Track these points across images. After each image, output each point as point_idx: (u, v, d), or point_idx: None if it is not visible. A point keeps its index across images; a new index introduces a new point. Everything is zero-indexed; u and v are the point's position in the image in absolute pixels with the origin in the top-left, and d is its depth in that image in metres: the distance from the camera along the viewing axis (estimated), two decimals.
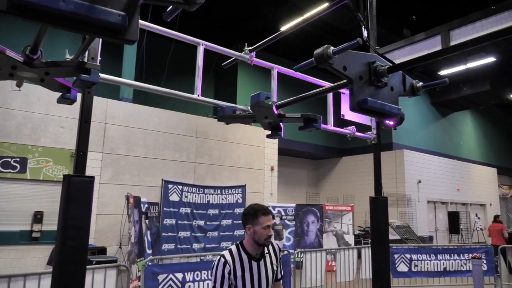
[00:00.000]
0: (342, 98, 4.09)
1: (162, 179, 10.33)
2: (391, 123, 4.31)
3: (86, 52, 2.52)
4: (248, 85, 14.98)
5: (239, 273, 2.17)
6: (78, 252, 2.38)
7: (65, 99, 2.41)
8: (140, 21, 1.86)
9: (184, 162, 11.19)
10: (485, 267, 7.04)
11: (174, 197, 10.38)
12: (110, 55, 10.10)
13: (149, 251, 8.78)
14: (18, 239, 8.28)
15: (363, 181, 16.47)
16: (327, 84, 3.97)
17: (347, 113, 3.93)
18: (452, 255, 8.13)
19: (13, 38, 11.07)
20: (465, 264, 8.08)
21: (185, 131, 11.35)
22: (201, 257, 6.28)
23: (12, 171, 8.32)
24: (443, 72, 16.70)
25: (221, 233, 10.93)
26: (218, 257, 2.25)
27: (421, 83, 2.28)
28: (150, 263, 4.86)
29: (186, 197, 10.58)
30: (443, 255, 8.10)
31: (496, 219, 11.23)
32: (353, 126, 4.31)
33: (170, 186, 10.38)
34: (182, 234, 10.28)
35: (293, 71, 4.07)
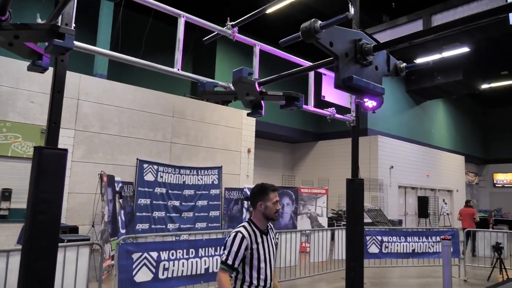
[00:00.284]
0: (323, 80, 4.08)
1: (137, 158, 10.15)
2: (370, 106, 4.36)
3: (60, 18, 2.37)
4: (227, 65, 14.77)
5: (254, 246, 2.36)
6: (49, 227, 2.29)
7: (36, 67, 2.27)
8: None
9: (160, 141, 11.01)
10: (451, 249, 7.37)
11: (149, 177, 10.23)
12: (84, 29, 9.68)
13: (123, 231, 8.66)
14: None
15: (338, 165, 16.76)
16: (309, 64, 3.94)
17: (328, 95, 3.92)
18: (420, 237, 8.44)
19: None
20: (432, 246, 8.42)
21: (161, 110, 11.13)
22: (177, 236, 6.25)
23: None
24: (419, 60, 16.96)
25: (196, 214, 10.90)
26: (234, 232, 2.39)
27: (404, 64, 2.28)
28: (124, 242, 4.78)
29: (161, 177, 10.45)
30: (412, 237, 8.40)
31: (467, 203, 11.69)
32: (333, 108, 4.31)
33: (145, 165, 10.21)
34: (156, 214, 10.20)
35: (275, 49, 4.02)
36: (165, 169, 10.56)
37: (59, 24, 2.38)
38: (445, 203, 19.13)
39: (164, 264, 4.79)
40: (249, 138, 13.33)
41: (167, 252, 4.84)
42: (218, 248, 5.40)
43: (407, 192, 17.95)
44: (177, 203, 10.62)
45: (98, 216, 8.64)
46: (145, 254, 4.64)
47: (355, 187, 4.16)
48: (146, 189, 10.11)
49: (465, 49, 15.25)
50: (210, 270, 5.25)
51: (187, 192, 10.88)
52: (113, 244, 7.30)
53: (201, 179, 11.25)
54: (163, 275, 4.76)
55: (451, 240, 4.51)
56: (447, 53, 15.65)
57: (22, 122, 8.56)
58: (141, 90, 10.83)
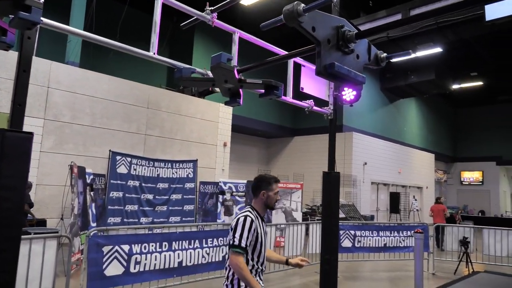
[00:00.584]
0: (302, 71, 4.05)
1: (110, 150, 9.88)
2: (348, 99, 4.37)
3: None
4: (205, 55, 14.57)
5: (259, 230, 2.50)
6: (13, 215, 2.15)
7: (0, 43, 2.11)
8: None
9: (134, 133, 10.75)
10: (423, 242, 7.57)
11: (122, 169, 9.99)
12: (56, 16, 9.29)
13: (94, 224, 8.42)
14: None
15: (313, 161, 16.90)
16: (294, 58, 3.89)
17: (306, 86, 3.89)
18: (392, 232, 8.62)
19: None
20: (403, 240, 8.63)
21: (136, 101, 10.86)
22: (149, 229, 6.11)
23: None
24: (393, 59, 17.28)
25: (170, 208, 10.74)
26: (243, 216, 2.48)
27: (385, 54, 2.27)
28: (94, 234, 4.62)
29: (135, 169, 10.23)
30: (384, 231, 8.57)
31: (438, 200, 12.16)
32: (311, 100, 4.29)
33: (118, 157, 9.95)
34: (129, 207, 9.97)
35: (255, 38, 3.95)
36: (139, 162, 10.34)
37: None
38: (415, 200, 19.66)
39: (136, 258, 4.66)
40: (225, 132, 13.23)
41: (139, 245, 4.72)
42: (192, 241, 5.32)
43: (379, 188, 18.33)
44: (150, 196, 10.42)
45: (67, 209, 8.34)
46: (116, 247, 4.50)
47: (331, 180, 4.17)
48: (119, 181, 9.86)
49: (437, 50, 15.64)
50: (184, 264, 5.16)
51: (161, 185, 10.70)
52: (82, 238, 7.08)
53: (176, 172, 11.09)
54: (134, 268, 4.63)
55: (423, 233, 4.63)
56: (421, 53, 16.01)
57: None
58: (115, 80, 10.53)
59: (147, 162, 10.50)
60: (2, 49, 2.12)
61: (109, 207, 9.54)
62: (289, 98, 3.92)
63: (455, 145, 27.87)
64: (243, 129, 17.17)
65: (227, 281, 2.46)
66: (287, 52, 3.78)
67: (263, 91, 2.84)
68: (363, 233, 8.37)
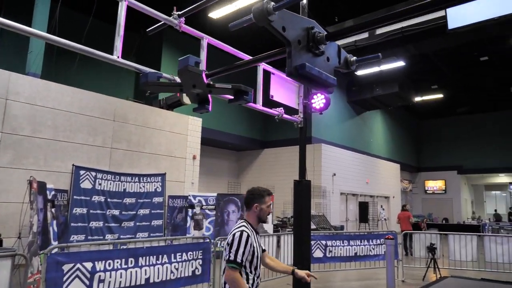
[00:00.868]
0: (271, 79, 4.03)
1: (73, 165, 9.47)
2: (318, 107, 4.39)
3: None
4: (174, 66, 14.40)
5: (255, 244, 2.52)
6: None
7: None
8: None
9: (99, 147, 10.37)
10: (394, 249, 7.68)
11: (86, 184, 9.58)
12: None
13: (55, 243, 7.96)
14: None
15: (283, 172, 16.94)
16: (264, 65, 3.87)
17: (276, 94, 3.87)
18: (362, 240, 8.70)
19: None
20: (373, 249, 8.72)
21: (101, 114, 10.51)
22: (115, 245, 5.83)
23: None
24: (359, 72, 17.81)
25: (138, 223, 10.37)
26: (239, 232, 2.48)
27: (355, 58, 2.27)
28: (53, 252, 4.34)
29: (100, 184, 9.84)
30: (354, 241, 8.63)
31: (404, 207, 12.54)
32: (281, 108, 4.28)
33: (82, 172, 9.55)
34: (94, 224, 9.54)
35: (223, 44, 3.90)
36: (104, 176, 9.96)
37: None
38: (383, 209, 20.08)
39: (100, 276, 4.41)
40: (194, 145, 13.04)
41: (103, 262, 4.46)
42: (160, 256, 5.10)
43: (348, 199, 18.59)
44: (116, 212, 10.04)
45: (26, 227, 7.87)
46: (78, 265, 4.23)
47: (302, 188, 4.13)
48: (83, 197, 9.44)
49: (400, 63, 16.27)
50: (151, 280, 4.93)
51: (128, 200, 10.34)
52: (42, 257, 6.67)
53: (143, 186, 10.77)
54: (98, 287, 4.37)
55: (394, 239, 4.67)
56: (385, 66, 16.59)
57: None
58: (79, 92, 10.16)
59: (113, 176, 10.13)
60: None
61: (72, 224, 9.09)
62: (259, 105, 3.88)
63: (419, 156, 28.86)
64: (213, 142, 17.02)
65: None
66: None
67: (232, 97, 2.78)
68: (334, 243, 8.40)
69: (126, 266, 4.66)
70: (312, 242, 8.14)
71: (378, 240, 8.68)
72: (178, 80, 2.81)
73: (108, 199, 9.89)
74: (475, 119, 26.22)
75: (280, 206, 15.30)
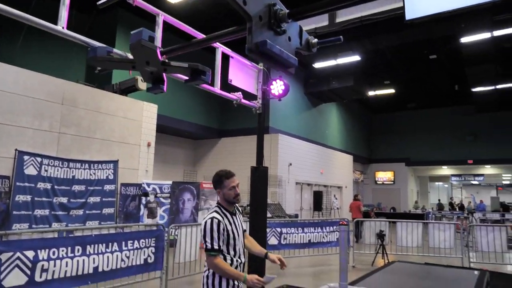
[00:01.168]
0: (230, 63, 3.94)
1: (16, 149, 8.84)
2: (277, 93, 4.36)
3: None
4: (127, 49, 13.81)
5: (229, 227, 2.57)
6: None
7: None
8: None
9: (46, 131, 9.75)
10: (348, 234, 7.94)
11: (30, 171, 8.99)
12: None
13: None
14: None
15: (241, 162, 16.93)
16: (217, 44, 3.76)
17: (235, 79, 3.78)
18: (316, 228, 8.91)
19: None
20: (326, 236, 8.96)
21: (48, 96, 9.87)
22: (60, 233, 5.50)
23: None
24: (316, 65, 18.10)
25: (87, 212, 9.93)
26: (210, 219, 2.54)
27: (316, 40, 2.23)
28: None
29: (46, 170, 9.27)
30: (308, 228, 8.81)
31: (355, 197, 13.06)
32: (240, 93, 4.20)
33: (26, 157, 8.94)
34: (39, 212, 9.00)
35: (180, 22, 3.74)
36: (51, 162, 9.40)
37: None
38: (336, 198, 20.71)
39: (43, 265, 4.14)
40: (149, 132, 12.64)
41: (47, 250, 4.20)
42: (110, 244, 4.89)
43: (303, 188, 18.98)
44: (64, 200, 9.54)
45: None
46: (18, 254, 3.94)
47: (259, 175, 4.11)
48: (27, 184, 8.86)
49: (356, 57, 16.69)
50: (100, 269, 4.72)
51: (76, 187, 9.85)
52: None
53: (94, 173, 10.30)
54: (40, 277, 4.11)
55: (347, 225, 4.78)
56: (341, 60, 16.96)
57: None
58: (24, 72, 9.46)
59: (60, 162, 9.60)
60: None
61: (14, 212, 8.52)
62: (217, 89, 3.78)
63: (371, 148, 30.01)
64: (169, 130, 16.62)
65: (204, 281, 2.58)
66: (218, 44, 3.64)
67: (188, 77, 2.65)
68: (288, 230, 8.52)
69: (72, 255, 4.42)
70: (268, 230, 8.19)
71: (331, 228, 8.93)
72: (130, 57, 2.65)
73: (55, 186, 9.36)
74: (423, 114, 27.62)
75: None
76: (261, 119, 4.33)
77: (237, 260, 2.60)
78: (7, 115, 8.97)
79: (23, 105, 9.29)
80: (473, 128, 26.06)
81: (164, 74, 2.61)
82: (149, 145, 12.55)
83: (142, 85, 11.70)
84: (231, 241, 2.57)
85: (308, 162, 19.22)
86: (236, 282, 2.54)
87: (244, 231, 2.83)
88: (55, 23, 2.73)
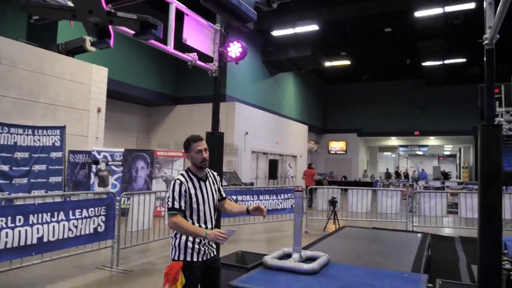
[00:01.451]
0: (185, 21, 3.69)
1: None
2: (234, 56, 4.19)
3: None
4: None
5: (192, 191, 2.58)
6: None
7: None
8: None
9: None
10: (302, 200, 8.15)
11: None
12: None
13: None
14: None
15: (196, 130, 16.57)
16: (177, 3, 3.50)
17: (190, 38, 3.57)
18: (271, 195, 9.03)
19: None
20: (281, 203, 9.13)
21: None
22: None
23: None
24: (275, 33, 17.85)
25: (32, 180, 9.36)
26: (173, 181, 2.59)
27: None
28: None
29: None
30: (264, 195, 8.91)
31: (310, 166, 13.40)
32: (195, 54, 3.99)
33: None
34: None
35: None
36: None
37: None
38: (290, 167, 21.13)
39: None
40: (99, 96, 11.99)
41: None
42: (56, 213, 4.63)
43: (259, 157, 19.13)
44: (6, 167, 8.90)
45: None
46: None
47: (215, 140, 3.99)
48: None
49: (314, 27, 16.62)
50: (45, 239, 4.47)
51: (19, 155, 9.21)
52: None
53: (39, 140, 9.65)
54: None
55: (302, 191, 4.88)
56: (300, 29, 16.83)
57: None
58: None
59: (0, 127, 8.88)
60: None
61: None
62: (170, 48, 3.54)
63: (325, 118, 30.66)
64: (121, 95, 15.87)
65: (171, 242, 2.60)
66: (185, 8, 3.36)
67: (135, 31, 2.42)
68: (244, 197, 8.57)
69: (13, 225, 4.13)
70: None
71: (286, 195, 9.09)
72: (71, 4, 2.36)
73: None
74: (376, 86, 28.45)
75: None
76: (217, 83, 4.16)
77: (200, 226, 2.59)
78: None
79: None
80: (421, 101, 27.29)
81: (110, 27, 2.37)
82: (99, 110, 11.94)
83: (92, 48, 10.93)
84: (194, 205, 2.58)
85: (264, 131, 19.30)
86: (200, 240, 2.55)
87: (223, 198, 2.87)
88: None
